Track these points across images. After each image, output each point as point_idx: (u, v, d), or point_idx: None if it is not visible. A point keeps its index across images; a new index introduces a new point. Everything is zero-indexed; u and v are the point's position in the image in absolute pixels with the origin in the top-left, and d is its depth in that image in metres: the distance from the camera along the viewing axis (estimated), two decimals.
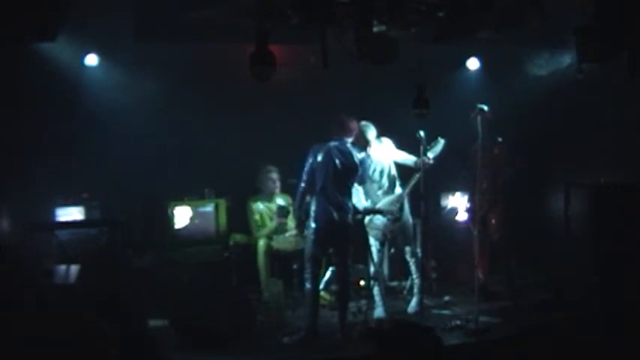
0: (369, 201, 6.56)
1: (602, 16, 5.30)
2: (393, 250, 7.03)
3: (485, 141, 6.15)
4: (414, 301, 6.59)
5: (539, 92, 7.46)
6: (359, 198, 6.49)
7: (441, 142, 6.28)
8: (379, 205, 6.52)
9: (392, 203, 6.51)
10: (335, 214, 5.86)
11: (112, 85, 7.06)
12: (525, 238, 7.26)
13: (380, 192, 6.57)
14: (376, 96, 7.49)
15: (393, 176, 6.63)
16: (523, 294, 6.89)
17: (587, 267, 6.21)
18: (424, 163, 6.21)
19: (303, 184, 5.96)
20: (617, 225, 6.14)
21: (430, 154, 6.23)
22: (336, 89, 7.41)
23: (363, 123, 6.38)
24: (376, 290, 6.44)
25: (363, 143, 6.34)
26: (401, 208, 6.55)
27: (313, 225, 5.90)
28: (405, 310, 6.60)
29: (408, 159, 6.52)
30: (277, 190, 7.12)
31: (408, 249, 6.66)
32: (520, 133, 7.36)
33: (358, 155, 6.04)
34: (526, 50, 7.53)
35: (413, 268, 6.65)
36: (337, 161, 5.91)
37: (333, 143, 5.98)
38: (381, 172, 6.58)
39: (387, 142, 6.63)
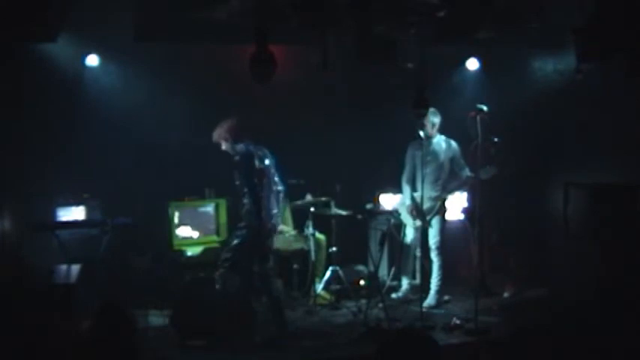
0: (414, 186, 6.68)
1: (602, 16, 5.31)
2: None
3: (484, 141, 6.15)
4: (431, 296, 6.66)
5: (538, 92, 7.46)
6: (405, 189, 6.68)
7: (495, 169, 6.48)
8: (415, 194, 6.61)
9: (425, 200, 6.52)
10: (267, 221, 5.69)
11: (112, 85, 7.06)
12: (525, 238, 7.27)
13: (425, 180, 6.45)
14: (376, 96, 7.49)
15: (445, 174, 6.67)
16: (523, 294, 6.88)
17: (587, 267, 6.20)
18: (472, 178, 6.43)
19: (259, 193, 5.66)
20: (616, 225, 6.13)
21: (483, 175, 6.33)
22: (336, 89, 7.40)
23: (431, 109, 6.46)
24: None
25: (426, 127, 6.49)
26: (432, 209, 6.62)
27: (245, 232, 5.65)
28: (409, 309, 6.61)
29: (463, 170, 6.68)
30: None
31: (434, 247, 6.69)
32: (520, 133, 7.36)
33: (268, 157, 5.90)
34: (526, 50, 7.53)
35: (435, 266, 6.68)
36: (269, 165, 5.80)
37: (251, 147, 5.77)
38: (431, 162, 6.59)
39: (454, 145, 6.72)
